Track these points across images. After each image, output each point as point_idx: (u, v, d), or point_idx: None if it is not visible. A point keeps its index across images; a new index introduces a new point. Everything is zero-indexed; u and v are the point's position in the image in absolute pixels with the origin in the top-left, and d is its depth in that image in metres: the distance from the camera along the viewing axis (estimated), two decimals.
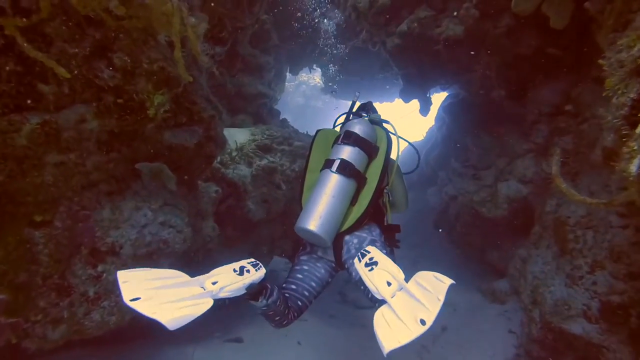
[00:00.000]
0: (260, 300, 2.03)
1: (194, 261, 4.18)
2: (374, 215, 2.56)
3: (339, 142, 2.53)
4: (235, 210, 5.32)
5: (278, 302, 2.12)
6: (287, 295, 2.32)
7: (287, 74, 11.84)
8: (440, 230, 8.96)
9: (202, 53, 2.62)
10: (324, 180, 2.37)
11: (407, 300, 1.57)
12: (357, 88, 12.58)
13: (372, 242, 2.40)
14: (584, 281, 3.95)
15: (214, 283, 1.77)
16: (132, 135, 2.98)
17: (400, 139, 2.82)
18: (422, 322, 1.40)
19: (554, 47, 5.37)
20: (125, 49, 2.59)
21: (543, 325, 4.28)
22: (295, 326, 2.41)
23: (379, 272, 1.76)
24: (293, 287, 2.39)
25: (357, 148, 2.47)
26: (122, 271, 1.71)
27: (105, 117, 2.70)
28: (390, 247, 2.55)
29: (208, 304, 1.69)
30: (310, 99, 29.42)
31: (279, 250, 6.28)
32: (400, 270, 1.77)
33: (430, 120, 10.01)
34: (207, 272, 1.88)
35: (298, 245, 2.61)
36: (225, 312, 5.41)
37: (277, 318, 2.18)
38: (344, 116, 3.02)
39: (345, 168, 2.38)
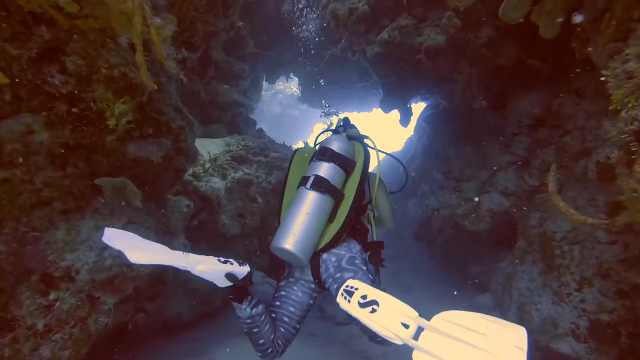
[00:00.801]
0: (244, 304, 2.04)
1: (162, 281, 3.89)
2: (355, 231, 2.44)
3: (315, 159, 2.47)
4: (208, 225, 5.06)
5: (263, 318, 2.10)
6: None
7: (264, 82, 11.63)
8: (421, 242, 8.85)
9: (168, 58, 2.36)
10: (300, 198, 2.30)
11: (445, 342, 1.33)
12: (334, 97, 12.46)
13: (352, 259, 2.24)
14: (571, 299, 3.84)
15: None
16: (90, 147, 2.70)
17: (385, 154, 2.77)
18: None
19: (534, 58, 5.33)
20: (80, 52, 2.31)
21: (530, 344, 4.14)
22: None
23: (385, 313, 1.49)
24: (272, 315, 2.28)
25: (332, 164, 2.40)
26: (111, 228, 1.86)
27: (57, 128, 2.42)
28: (375, 265, 2.43)
29: (179, 263, 1.78)
30: (287, 108, 29.23)
31: (255, 266, 6.05)
32: (409, 306, 1.52)
33: (408, 130, 9.93)
34: None
35: (274, 261, 2.45)
36: (198, 332, 5.14)
37: (262, 342, 2.12)
38: (325, 134, 2.95)
39: (320, 184, 2.30)
